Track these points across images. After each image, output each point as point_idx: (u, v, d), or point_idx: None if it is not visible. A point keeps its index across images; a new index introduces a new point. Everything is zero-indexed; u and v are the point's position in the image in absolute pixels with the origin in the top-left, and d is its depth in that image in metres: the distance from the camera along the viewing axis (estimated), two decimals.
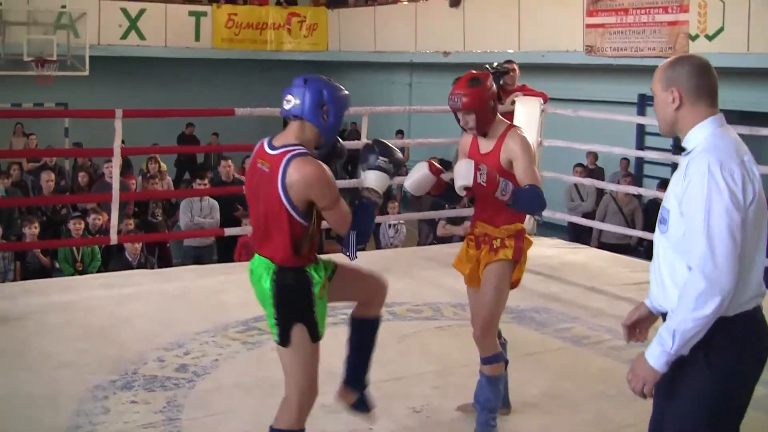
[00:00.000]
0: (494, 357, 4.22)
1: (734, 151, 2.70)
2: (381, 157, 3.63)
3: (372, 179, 3.63)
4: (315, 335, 3.51)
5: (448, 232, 9.93)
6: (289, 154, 3.37)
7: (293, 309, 3.49)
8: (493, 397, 4.23)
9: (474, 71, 4.24)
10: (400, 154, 3.71)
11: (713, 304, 2.62)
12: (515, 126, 4.25)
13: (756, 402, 2.91)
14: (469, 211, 9.67)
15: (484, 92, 4.09)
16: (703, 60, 2.81)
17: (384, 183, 3.65)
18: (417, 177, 4.11)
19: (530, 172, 4.07)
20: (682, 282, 2.70)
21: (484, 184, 3.89)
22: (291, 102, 3.47)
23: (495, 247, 4.20)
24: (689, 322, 2.64)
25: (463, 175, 3.89)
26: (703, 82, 2.77)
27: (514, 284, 4.32)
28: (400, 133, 17.54)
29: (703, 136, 2.75)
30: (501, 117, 4.24)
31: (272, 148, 3.45)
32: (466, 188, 3.94)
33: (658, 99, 2.83)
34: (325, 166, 3.41)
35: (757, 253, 2.73)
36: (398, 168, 3.71)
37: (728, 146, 2.72)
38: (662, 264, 2.83)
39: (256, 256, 3.57)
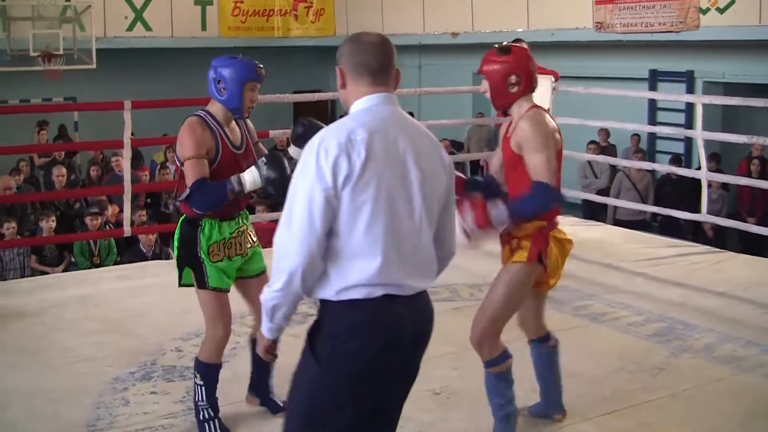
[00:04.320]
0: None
1: (355, 129, 2.57)
2: (266, 167, 3.81)
3: (248, 174, 3.83)
4: (201, 282, 3.94)
5: None
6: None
7: (183, 253, 3.97)
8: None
9: (511, 43, 4.04)
10: (275, 174, 3.79)
11: (281, 281, 2.54)
12: (538, 107, 3.83)
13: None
14: None
15: (508, 64, 3.78)
16: (371, 37, 2.73)
17: (253, 182, 3.81)
18: None
19: (535, 162, 3.70)
20: None
21: (472, 237, 3.60)
22: None
23: (513, 248, 3.91)
24: (268, 294, 2.60)
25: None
26: (364, 60, 2.69)
27: (545, 288, 4.09)
28: (410, 114, 17.46)
29: (352, 112, 2.70)
30: (530, 99, 3.84)
31: None
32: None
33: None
34: (194, 124, 3.84)
35: (375, 242, 2.55)
36: (275, 182, 3.80)
37: (354, 124, 2.60)
38: None
39: None
